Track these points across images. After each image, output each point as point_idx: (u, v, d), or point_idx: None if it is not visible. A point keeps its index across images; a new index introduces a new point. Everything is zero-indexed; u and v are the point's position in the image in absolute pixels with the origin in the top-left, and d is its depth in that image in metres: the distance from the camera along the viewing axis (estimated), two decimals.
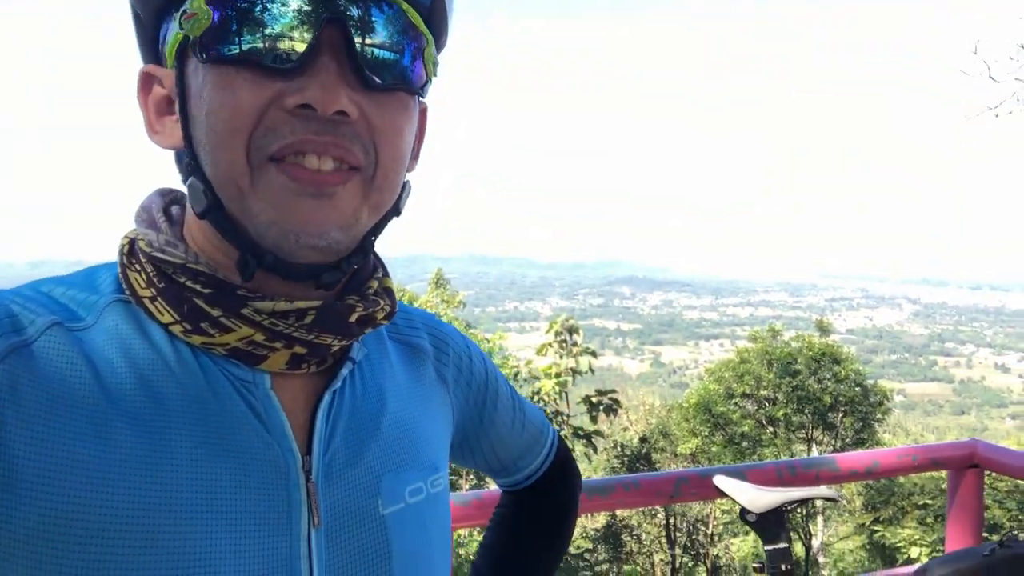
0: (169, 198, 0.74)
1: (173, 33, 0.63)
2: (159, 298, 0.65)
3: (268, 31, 0.59)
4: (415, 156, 0.77)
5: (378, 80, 0.63)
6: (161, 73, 0.69)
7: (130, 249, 0.69)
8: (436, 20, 0.70)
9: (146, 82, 0.70)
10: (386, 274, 0.78)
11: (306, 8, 0.60)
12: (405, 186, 0.72)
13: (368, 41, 0.62)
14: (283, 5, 0.60)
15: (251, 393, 0.66)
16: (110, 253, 0.72)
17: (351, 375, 0.74)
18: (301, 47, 0.60)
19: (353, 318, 0.69)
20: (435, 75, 0.70)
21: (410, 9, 0.65)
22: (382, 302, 0.73)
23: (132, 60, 0.74)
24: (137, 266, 0.67)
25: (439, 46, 0.73)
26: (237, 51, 0.60)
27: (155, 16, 0.67)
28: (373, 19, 0.62)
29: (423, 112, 0.77)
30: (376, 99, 0.63)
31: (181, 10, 0.62)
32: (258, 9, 0.60)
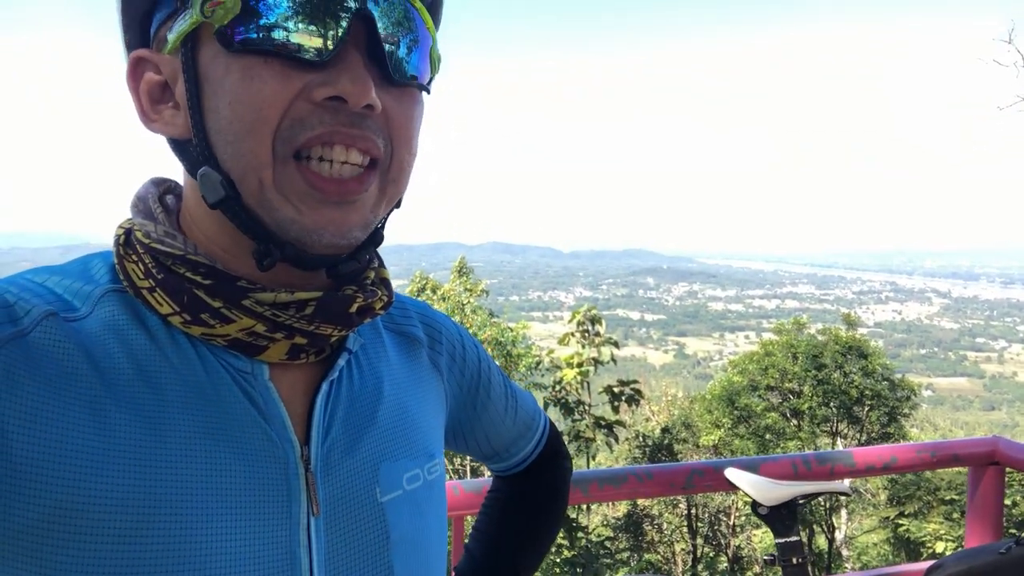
0: (164, 188, 0.74)
1: (188, 19, 0.62)
2: (158, 289, 0.64)
3: (298, 23, 0.59)
4: None
5: (399, 76, 0.64)
6: (156, 59, 0.67)
7: (126, 239, 0.69)
8: (434, 15, 0.71)
9: (137, 67, 0.68)
10: (382, 264, 0.78)
11: (335, 1, 0.60)
12: None
13: (392, 36, 0.63)
14: None
15: (250, 384, 0.66)
16: None
17: (348, 365, 0.75)
18: (331, 40, 0.60)
19: (353, 308, 0.69)
20: (438, 71, 0.72)
21: (421, 7, 0.66)
22: (380, 292, 0.74)
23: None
24: (134, 256, 0.67)
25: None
26: (267, 42, 0.59)
27: (148, 1, 0.66)
28: (394, 15, 0.63)
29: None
30: (394, 93, 0.65)
31: None
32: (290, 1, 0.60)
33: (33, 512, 0.56)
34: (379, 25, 0.62)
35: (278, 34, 0.59)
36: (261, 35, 0.59)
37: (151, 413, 0.61)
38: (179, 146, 0.67)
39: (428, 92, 0.70)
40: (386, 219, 0.72)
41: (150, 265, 0.66)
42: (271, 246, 0.63)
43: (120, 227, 0.71)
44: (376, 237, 0.71)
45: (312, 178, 0.61)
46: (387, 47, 0.63)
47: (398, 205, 0.72)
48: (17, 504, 0.56)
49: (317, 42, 0.60)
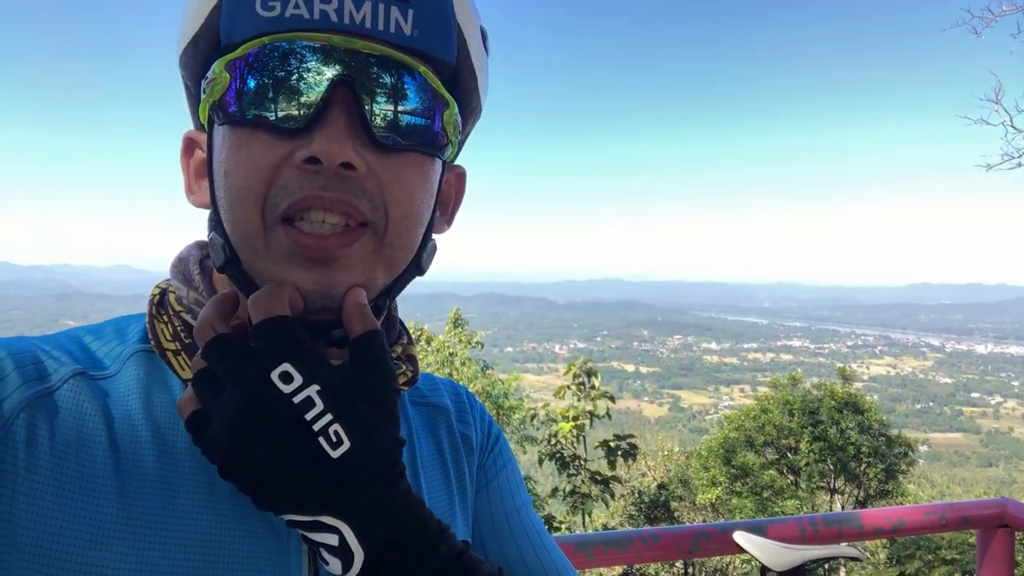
0: (206, 251, 0.76)
1: (202, 99, 0.65)
2: (183, 352, 0.67)
3: (282, 92, 0.60)
4: (448, 219, 0.77)
5: (389, 139, 0.63)
6: (200, 138, 0.72)
7: (160, 300, 0.71)
8: (464, 82, 0.70)
9: (188, 147, 0.74)
10: (410, 341, 0.78)
11: (317, 69, 0.60)
12: (428, 245, 0.71)
13: (379, 101, 0.62)
14: (296, 67, 0.60)
15: None
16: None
17: None
18: (310, 106, 0.60)
19: None
20: (457, 138, 0.69)
21: (428, 72, 0.64)
22: (404, 367, 0.74)
23: None
24: (165, 318, 0.70)
25: (470, 109, 0.73)
26: (252, 112, 0.61)
27: (199, 86, 0.68)
28: (385, 80, 0.62)
29: (460, 176, 0.77)
30: (390, 157, 0.63)
31: (204, 76, 0.64)
32: (272, 71, 0.61)
33: None
34: (365, 90, 0.61)
35: (262, 105, 0.61)
36: (247, 107, 0.61)
37: (160, 482, 0.62)
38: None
39: (441, 158, 0.68)
40: (395, 288, 0.70)
41: (179, 328, 0.68)
42: None
43: (157, 287, 0.73)
44: (379, 305, 0.68)
45: (296, 236, 0.61)
46: (375, 110, 0.62)
47: (420, 272, 0.71)
48: (15, 571, 0.55)
49: (300, 109, 0.60)
